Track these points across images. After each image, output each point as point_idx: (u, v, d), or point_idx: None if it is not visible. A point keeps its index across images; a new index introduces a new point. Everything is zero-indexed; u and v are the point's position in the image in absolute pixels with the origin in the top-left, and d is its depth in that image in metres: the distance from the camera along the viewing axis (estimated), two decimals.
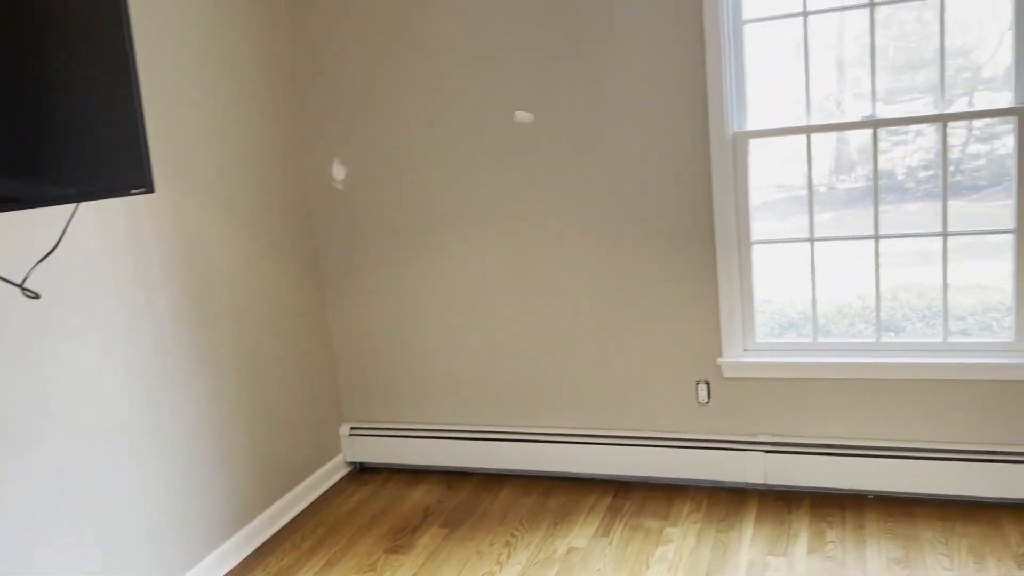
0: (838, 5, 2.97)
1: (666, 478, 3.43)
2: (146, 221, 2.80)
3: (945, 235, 2.98)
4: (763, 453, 3.24)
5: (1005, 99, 2.85)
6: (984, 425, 2.99)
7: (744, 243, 3.20)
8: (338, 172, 3.64)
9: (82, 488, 2.55)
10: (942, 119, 2.89)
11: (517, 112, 3.32)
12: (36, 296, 2.37)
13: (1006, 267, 2.96)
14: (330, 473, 3.79)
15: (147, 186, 2.25)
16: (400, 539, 3.22)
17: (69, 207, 2.47)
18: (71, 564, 2.49)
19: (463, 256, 3.55)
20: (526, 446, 3.59)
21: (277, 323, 3.46)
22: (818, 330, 3.22)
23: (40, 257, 2.40)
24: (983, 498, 3.01)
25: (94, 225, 2.60)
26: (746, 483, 3.31)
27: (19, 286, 2.32)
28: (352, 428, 3.86)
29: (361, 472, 3.89)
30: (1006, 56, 2.82)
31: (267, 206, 3.41)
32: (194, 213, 3.01)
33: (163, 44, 2.89)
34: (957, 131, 2.91)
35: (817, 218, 3.14)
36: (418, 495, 3.58)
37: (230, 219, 3.19)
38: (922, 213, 3.00)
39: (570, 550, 3.03)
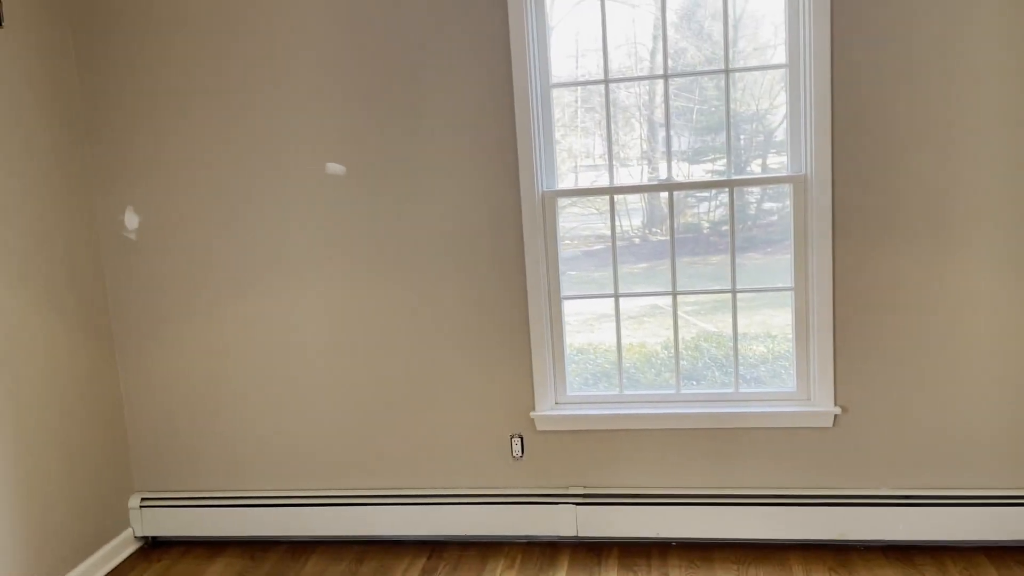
0: (637, 75, 3.15)
1: (480, 536, 3.38)
2: None
3: (734, 292, 3.18)
4: (574, 505, 3.28)
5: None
6: (773, 470, 3.19)
7: (555, 298, 3.27)
8: (131, 221, 3.38)
9: None
10: (729, 184, 3.11)
11: (328, 164, 3.24)
12: None
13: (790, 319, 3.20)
14: (117, 550, 3.43)
15: None
16: None
17: None
18: None
19: (269, 313, 3.38)
20: (335, 510, 3.43)
21: (56, 385, 3.12)
22: (628, 380, 3.32)
23: None
24: (774, 540, 3.19)
25: None
26: (558, 536, 3.33)
27: None
28: (144, 499, 3.53)
29: (153, 547, 3.55)
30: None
31: (48, 261, 3.10)
32: None
33: None
34: (754, 190, 3.14)
35: (634, 267, 3.27)
36: (217, 569, 3.31)
37: (1, 274, 2.87)
38: (726, 264, 3.19)
39: None
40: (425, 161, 3.20)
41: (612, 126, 3.21)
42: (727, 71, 3.07)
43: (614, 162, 3.21)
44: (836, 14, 2.87)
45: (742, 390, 3.23)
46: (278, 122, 3.25)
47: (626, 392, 3.31)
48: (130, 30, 3.27)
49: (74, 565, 3.18)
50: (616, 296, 3.26)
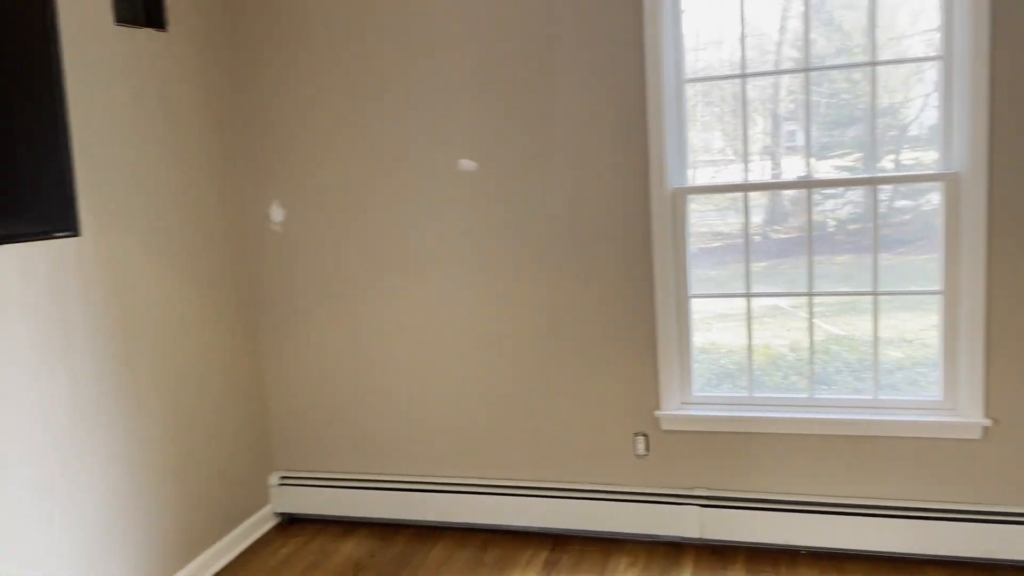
0: (775, 68, 3.06)
1: (603, 531, 3.39)
2: (70, 264, 2.68)
3: (876, 294, 3.05)
4: (699, 507, 3.24)
5: (930, 157, 2.95)
6: (913, 482, 3.05)
7: (682, 296, 3.23)
8: (277, 214, 3.56)
9: None
10: (873, 181, 2.98)
11: (461, 160, 3.31)
12: None
13: (931, 321, 3.04)
14: (257, 525, 3.64)
15: (72, 229, 2.15)
16: None
17: None
18: None
19: (402, 304, 3.50)
20: (462, 498, 3.52)
21: (208, 368, 3.34)
22: (753, 382, 3.25)
23: None
24: (911, 555, 3.06)
25: (11, 268, 2.48)
26: (682, 537, 3.30)
27: None
28: (282, 477, 3.73)
29: (290, 524, 3.75)
30: (931, 116, 2.93)
31: (203, 249, 3.31)
32: (123, 257, 2.90)
33: (95, 81, 2.80)
34: (886, 187, 3.01)
35: (755, 266, 3.19)
36: (349, 548, 3.47)
37: (162, 263, 3.08)
38: (852, 264, 3.07)
39: None
40: (554, 157, 3.22)
41: (738, 121, 3.12)
42: (873, 63, 2.94)
43: (735, 158, 3.14)
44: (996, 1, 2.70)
45: (881, 397, 3.10)
46: (411, 118, 3.34)
47: (755, 395, 3.23)
48: (281, 31, 3.43)
49: (219, 537, 3.40)
50: (748, 296, 3.19)
